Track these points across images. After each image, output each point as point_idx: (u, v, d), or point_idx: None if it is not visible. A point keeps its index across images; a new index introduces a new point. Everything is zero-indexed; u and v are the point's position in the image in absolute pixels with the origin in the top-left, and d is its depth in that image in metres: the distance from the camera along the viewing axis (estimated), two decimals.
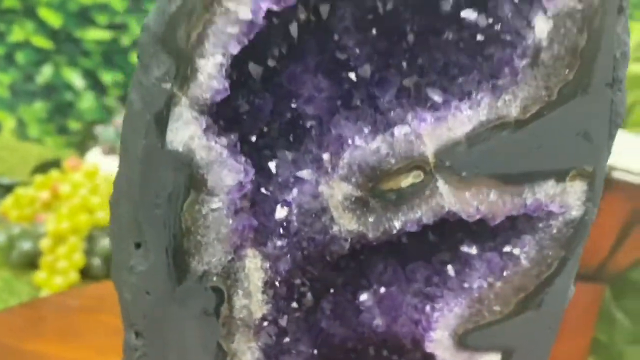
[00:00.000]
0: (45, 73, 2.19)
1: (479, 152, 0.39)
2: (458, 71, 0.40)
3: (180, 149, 0.37)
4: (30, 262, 1.11)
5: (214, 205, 0.38)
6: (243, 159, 0.38)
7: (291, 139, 0.41)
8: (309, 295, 0.47)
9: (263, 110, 0.41)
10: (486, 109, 0.38)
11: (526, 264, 0.43)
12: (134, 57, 2.23)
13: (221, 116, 0.38)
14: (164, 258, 0.40)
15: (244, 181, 0.38)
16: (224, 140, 0.37)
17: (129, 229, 0.40)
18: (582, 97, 0.39)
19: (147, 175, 0.38)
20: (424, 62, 0.41)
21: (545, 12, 0.37)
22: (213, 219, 0.39)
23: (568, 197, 0.41)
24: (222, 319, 0.42)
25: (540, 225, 0.42)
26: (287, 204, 0.40)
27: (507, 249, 0.43)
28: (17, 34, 2.14)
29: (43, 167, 1.34)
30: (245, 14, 0.35)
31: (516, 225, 0.43)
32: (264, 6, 0.35)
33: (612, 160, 1.11)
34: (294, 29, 0.41)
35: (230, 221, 0.39)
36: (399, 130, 0.38)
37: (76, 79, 2.20)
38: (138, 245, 0.40)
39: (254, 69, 0.41)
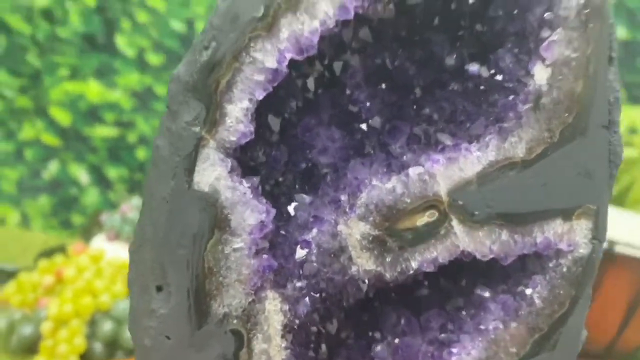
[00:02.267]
0: (52, 169, 2.24)
1: (490, 192, 0.41)
2: (465, 117, 0.43)
3: (207, 190, 0.39)
4: (30, 347, 1.09)
5: (236, 245, 0.40)
6: (264, 200, 0.40)
7: (307, 185, 0.43)
8: (324, 347, 0.47)
9: (279, 161, 0.44)
10: (494, 150, 0.41)
11: (539, 303, 0.44)
12: (140, 153, 2.29)
13: (244, 160, 0.40)
14: (185, 300, 0.40)
15: (266, 221, 0.40)
16: (248, 182, 0.39)
17: (152, 273, 0.41)
18: (582, 138, 0.41)
19: (174, 216, 0.39)
20: (431, 112, 0.44)
21: (543, 61, 0.40)
22: (235, 259, 0.40)
23: (575, 235, 0.43)
24: None
25: (551, 264, 0.44)
26: (306, 244, 0.41)
27: (519, 289, 0.44)
28: (27, 132, 2.21)
29: (48, 253, 1.34)
30: (271, 63, 0.38)
31: (527, 266, 0.44)
32: (288, 56, 0.38)
33: (613, 235, 1.13)
34: (311, 83, 0.44)
35: (252, 262, 0.40)
36: (414, 171, 0.41)
37: (82, 175, 2.25)
38: (160, 289, 0.41)
39: (273, 121, 0.44)
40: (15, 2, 2.06)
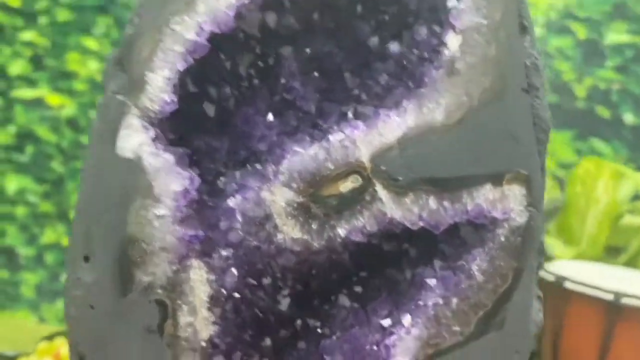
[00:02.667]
0: None
1: (412, 157, 0.41)
2: (387, 90, 0.44)
3: (130, 155, 0.40)
4: None
5: (160, 212, 0.40)
6: (190, 170, 0.41)
7: (241, 165, 0.44)
8: (269, 341, 0.46)
9: (220, 151, 0.45)
10: (413, 115, 0.42)
11: (480, 276, 0.42)
12: None
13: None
14: (109, 268, 0.40)
15: (190, 189, 0.41)
16: (172, 151, 0.41)
17: (80, 243, 0.41)
18: (502, 101, 0.42)
19: (99, 182, 0.41)
20: (359, 92, 0.45)
21: (454, 29, 0.42)
22: (159, 226, 0.40)
23: (509, 202, 0.42)
24: (166, 338, 0.41)
25: (488, 235, 0.43)
26: (230, 212, 0.41)
27: (459, 263, 0.43)
28: (48, 236, 2.27)
29: (50, 337, 1.33)
30: (191, 35, 0.40)
31: (465, 240, 0.43)
32: (207, 28, 0.41)
33: (620, 287, 1.08)
34: (244, 70, 0.46)
35: (176, 229, 0.40)
36: (334, 137, 0.41)
37: None
38: (87, 259, 0.41)
39: (208, 107, 0.46)
40: (43, 114, 2.21)
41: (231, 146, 0.46)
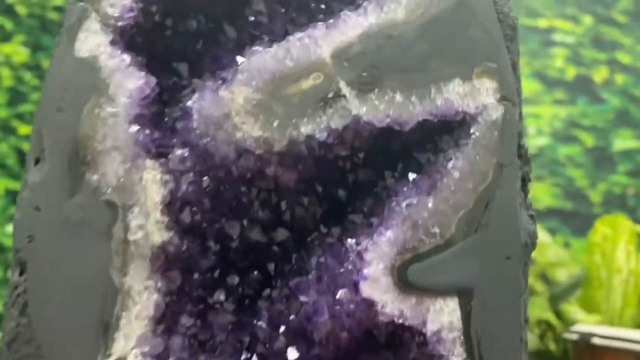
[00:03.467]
0: None
1: (375, 52, 0.40)
2: None
3: (86, 56, 0.40)
4: None
5: (114, 110, 0.39)
6: (146, 71, 0.40)
7: (200, 72, 0.43)
8: (236, 279, 0.42)
9: (179, 60, 0.44)
10: (374, 14, 0.41)
11: (457, 174, 0.39)
12: None
13: (131, 40, 0.41)
14: (58, 167, 0.38)
15: (145, 88, 0.39)
16: (130, 53, 0.40)
17: (33, 146, 0.39)
18: None
19: (55, 83, 0.40)
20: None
21: None
22: (112, 124, 0.39)
23: (480, 96, 0.40)
24: (115, 244, 0.37)
25: (462, 133, 0.40)
26: (187, 111, 0.40)
27: (433, 166, 0.40)
28: None
29: None
30: None
31: (438, 142, 0.40)
32: None
33: None
34: None
35: (129, 128, 0.39)
36: (294, 37, 0.41)
37: None
38: (37, 161, 0.39)
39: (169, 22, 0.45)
40: None
41: (192, 56, 0.44)
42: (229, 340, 0.41)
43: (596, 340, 1.01)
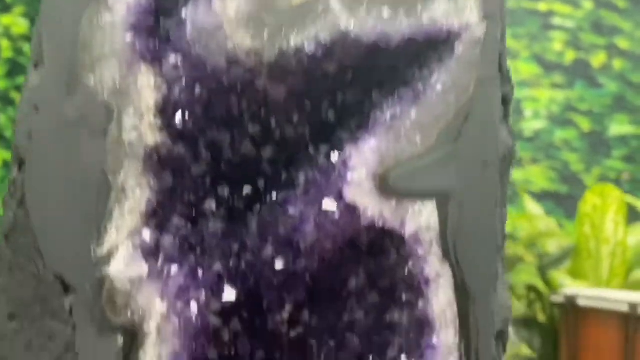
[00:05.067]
0: None
1: None
2: None
3: None
4: None
5: (112, 18, 0.40)
6: None
7: None
8: (227, 190, 0.43)
9: None
10: None
11: (439, 88, 0.41)
12: None
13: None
14: (57, 70, 0.40)
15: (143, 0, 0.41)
16: None
17: (34, 52, 0.41)
18: None
19: None
20: None
21: None
22: (110, 31, 0.40)
23: (464, 14, 0.42)
24: (110, 142, 0.39)
25: (446, 50, 0.42)
26: (182, 22, 0.41)
27: (418, 81, 0.41)
28: None
29: None
30: None
31: (424, 58, 0.42)
32: None
33: (635, 299, 1.02)
34: None
35: (126, 36, 0.40)
36: None
37: None
38: (37, 65, 0.40)
39: None
40: None
41: None
42: (219, 245, 0.43)
43: (581, 302, 1.03)
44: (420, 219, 0.39)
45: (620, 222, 1.33)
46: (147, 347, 0.37)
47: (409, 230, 0.39)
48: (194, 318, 0.39)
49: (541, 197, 2.41)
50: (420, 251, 0.39)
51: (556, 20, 2.68)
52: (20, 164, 0.39)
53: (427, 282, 0.39)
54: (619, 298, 0.99)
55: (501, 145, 0.41)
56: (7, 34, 2.31)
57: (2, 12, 2.27)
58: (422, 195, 0.39)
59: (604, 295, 1.01)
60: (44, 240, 0.38)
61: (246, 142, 0.43)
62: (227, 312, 0.43)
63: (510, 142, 0.42)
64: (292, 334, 0.47)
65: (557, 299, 1.09)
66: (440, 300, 0.38)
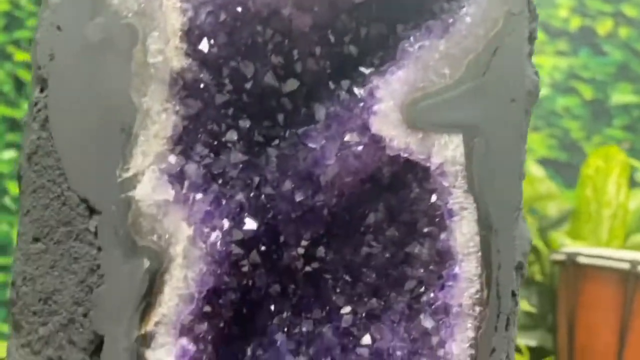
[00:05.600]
0: None
1: None
2: None
3: None
4: None
5: None
6: None
7: None
8: (248, 123, 0.43)
9: None
10: None
11: (469, 20, 0.40)
12: None
13: None
14: None
15: None
16: None
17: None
18: None
19: None
20: None
21: None
22: None
23: None
24: (135, 65, 0.38)
25: None
26: None
27: (447, 13, 0.41)
28: None
29: None
30: None
31: None
32: None
33: (636, 257, 1.02)
34: None
35: None
36: None
37: None
38: None
39: None
40: None
41: None
42: (240, 177, 0.43)
43: (582, 259, 1.04)
44: (447, 152, 0.39)
45: (623, 184, 1.33)
46: (173, 270, 0.37)
47: (434, 162, 0.39)
48: (218, 244, 0.39)
49: (541, 164, 2.42)
50: (445, 183, 0.39)
51: None
52: (42, 85, 0.39)
53: (450, 214, 0.39)
54: (619, 256, 1.00)
55: (527, 80, 0.41)
56: None
57: None
58: (449, 127, 0.39)
59: (604, 253, 1.02)
60: (68, 162, 0.38)
61: (269, 74, 0.42)
62: (247, 243, 0.43)
63: (535, 78, 0.42)
64: (308, 268, 0.47)
65: (558, 256, 1.10)
66: (464, 232, 0.39)
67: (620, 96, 2.63)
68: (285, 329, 0.48)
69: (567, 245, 1.24)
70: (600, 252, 1.03)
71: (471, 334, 0.38)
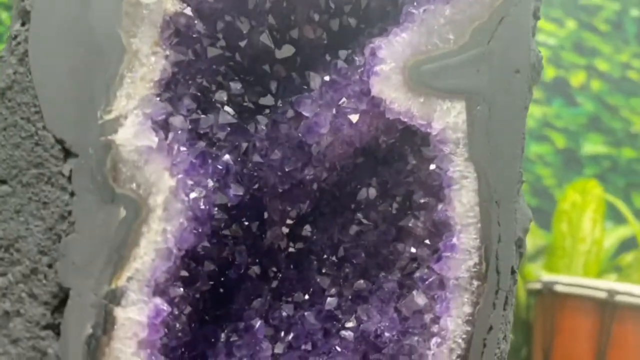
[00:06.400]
0: None
1: None
2: None
3: None
4: None
5: None
6: None
7: None
8: (239, 86, 0.41)
9: None
10: None
11: None
12: None
13: None
14: None
15: None
16: None
17: None
18: None
19: None
20: None
21: None
22: None
23: None
24: (126, 4, 0.36)
25: None
26: None
27: None
28: None
29: None
30: None
31: None
32: None
33: (613, 286, 1.01)
34: None
35: None
36: None
37: None
38: None
39: None
40: None
41: None
42: (228, 139, 0.40)
43: (558, 288, 1.03)
44: (449, 118, 0.37)
45: (599, 220, 1.33)
46: (151, 222, 0.34)
47: (435, 128, 0.37)
48: (201, 202, 0.36)
49: None
50: (446, 150, 0.37)
51: (540, 37, 2.72)
52: (24, 18, 0.36)
53: (449, 183, 0.37)
54: (596, 285, 0.99)
55: (532, 54, 0.40)
56: None
57: None
58: (452, 93, 0.37)
59: (581, 282, 1.01)
60: (45, 101, 0.35)
61: (264, 34, 0.40)
62: (230, 211, 0.40)
63: (540, 54, 0.41)
64: (292, 249, 0.45)
65: (534, 285, 1.09)
66: (463, 202, 0.36)
67: (591, 146, 2.69)
68: (264, 314, 0.44)
69: (542, 275, 1.22)
70: (577, 281, 1.02)
71: (468, 309, 0.35)
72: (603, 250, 1.33)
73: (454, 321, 0.35)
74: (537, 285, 1.08)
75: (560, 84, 2.75)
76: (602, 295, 0.95)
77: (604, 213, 1.33)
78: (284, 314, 0.44)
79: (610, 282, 1.03)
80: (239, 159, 0.40)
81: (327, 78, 0.41)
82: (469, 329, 0.35)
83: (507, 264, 0.36)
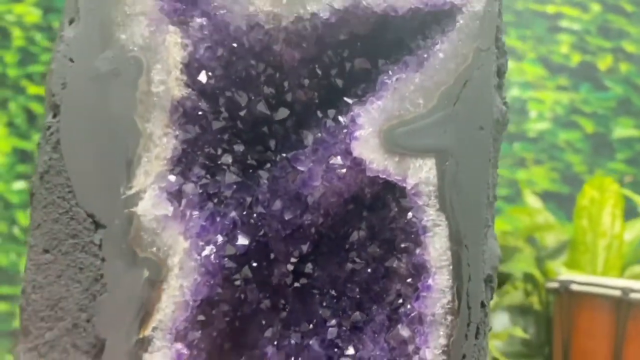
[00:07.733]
0: None
1: None
2: None
3: None
4: None
5: None
6: None
7: None
8: (242, 147, 0.47)
9: None
10: None
11: (441, 55, 0.44)
12: None
13: None
14: (91, 26, 0.43)
15: None
16: None
17: (68, 9, 0.44)
18: None
19: None
20: None
21: None
22: None
23: None
24: (140, 94, 0.42)
25: (449, 22, 0.45)
26: None
27: (421, 51, 0.45)
28: None
29: None
30: None
31: (427, 30, 0.46)
32: None
33: (627, 284, 1.05)
34: None
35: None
36: None
37: None
38: (71, 21, 0.44)
39: None
40: None
41: None
42: (234, 196, 0.46)
43: (574, 287, 1.06)
44: (421, 174, 0.42)
45: (618, 215, 1.36)
46: (170, 280, 0.41)
47: (410, 183, 0.43)
48: (212, 257, 0.43)
49: (543, 197, 2.44)
50: (420, 202, 0.42)
51: (563, 23, 2.70)
52: (55, 111, 0.43)
53: (425, 230, 0.42)
54: (611, 283, 1.03)
55: (495, 109, 0.45)
56: (20, 23, 2.35)
57: (15, 1, 2.30)
58: (423, 151, 0.43)
59: (596, 281, 1.05)
60: (77, 181, 0.42)
61: (261, 103, 0.46)
62: (239, 258, 0.47)
63: (504, 108, 0.46)
64: (297, 284, 0.51)
65: (552, 284, 1.13)
66: (437, 247, 0.42)
67: (622, 130, 2.67)
68: (275, 342, 0.51)
69: (563, 272, 1.26)
70: (592, 280, 1.05)
71: (443, 341, 0.41)
72: (625, 244, 1.35)
73: (432, 352, 0.41)
74: (555, 284, 1.12)
75: (586, 68, 2.73)
76: (617, 293, 0.99)
77: (622, 208, 1.35)
78: (293, 341, 0.50)
79: (625, 280, 1.07)
80: (245, 213, 0.46)
81: (318, 135, 0.47)
82: (444, 357, 0.41)
83: (477, 299, 0.42)
